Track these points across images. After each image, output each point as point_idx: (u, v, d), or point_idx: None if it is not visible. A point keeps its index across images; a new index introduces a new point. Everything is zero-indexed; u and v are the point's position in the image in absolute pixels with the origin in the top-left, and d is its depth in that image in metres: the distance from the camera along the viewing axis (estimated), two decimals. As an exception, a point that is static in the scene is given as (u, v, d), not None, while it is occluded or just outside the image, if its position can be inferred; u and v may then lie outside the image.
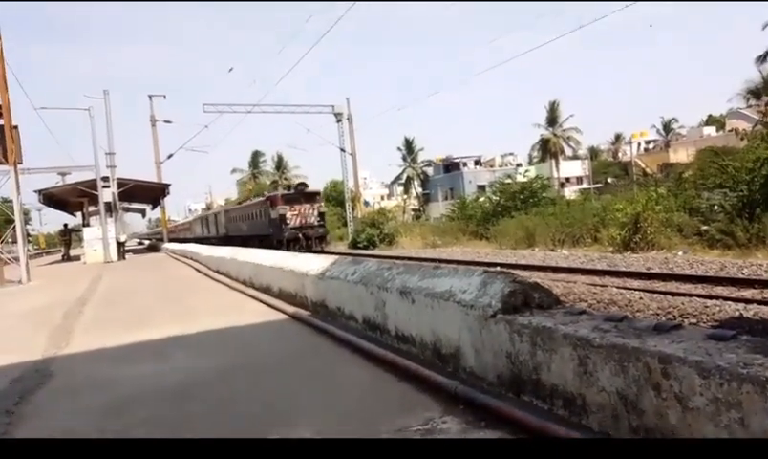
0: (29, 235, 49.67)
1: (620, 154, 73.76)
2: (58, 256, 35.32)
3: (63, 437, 3.08)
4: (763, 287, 9.26)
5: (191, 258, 18.94)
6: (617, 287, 10.22)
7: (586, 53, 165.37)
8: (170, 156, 36.97)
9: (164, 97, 39.64)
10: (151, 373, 4.42)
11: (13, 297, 12.10)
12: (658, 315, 8.02)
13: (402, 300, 4.15)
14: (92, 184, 25.04)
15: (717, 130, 54.51)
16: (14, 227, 16.16)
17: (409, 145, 63.31)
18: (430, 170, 64.33)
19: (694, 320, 7.59)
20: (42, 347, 5.75)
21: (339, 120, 34.28)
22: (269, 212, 28.15)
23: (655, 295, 9.16)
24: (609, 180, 53.45)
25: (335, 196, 48.16)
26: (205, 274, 13.04)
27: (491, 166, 58.99)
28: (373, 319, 4.73)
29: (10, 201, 17.18)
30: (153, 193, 35.72)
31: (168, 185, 34.43)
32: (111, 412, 3.54)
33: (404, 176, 64.39)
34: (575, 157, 64.15)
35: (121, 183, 26.69)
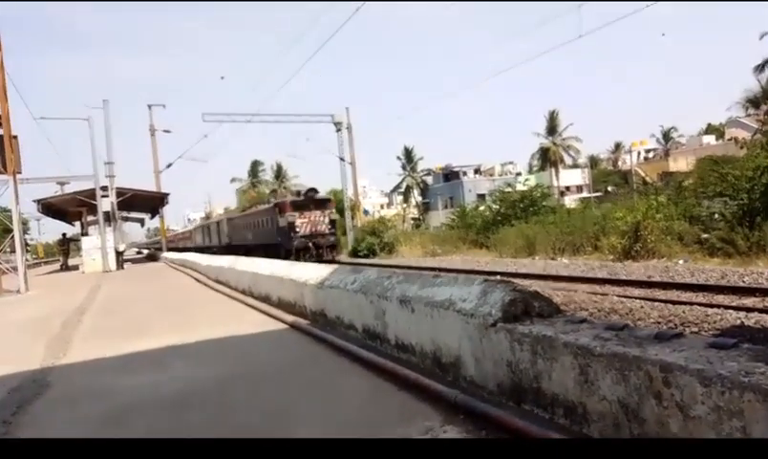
0: (27, 245, 49.57)
1: (620, 163, 74.02)
2: (57, 266, 35.32)
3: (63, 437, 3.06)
4: (764, 295, 9.24)
5: (190, 268, 18.90)
6: (618, 295, 10.21)
7: (585, 62, 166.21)
8: (169, 165, 37.15)
9: (164, 106, 39.72)
10: (149, 382, 4.40)
11: (12, 307, 12.07)
12: (659, 323, 8.01)
13: (402, 309, 4.14)
14: (91, 193, 25.02)
15: (717, 139, 54.61)
16: (13, 236, 16.15)
17: (408, 154, 63.42)
18: (429, 179, 64.39)
19: (696, 329, 7.57)
20: (40, 357, 5.73)
21: (339, 130, 34.39)
22: (277, 220, 26.43)
23: (656, 304, 9.14)
24: (609, 188, 53.47)
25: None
26: (204, 284, 13.01)
27: (491, 175, 58.89)
28: (373, 328, 4.71)
29: (9, 210, 17.24)
30: (152, 202, 35.72)
31: (167, 195, 34.39)
32: (109, 421, 3.52)
33: (404, 185, 64.43)
34: (575, 166, 64.29)
35: (120, 192, 26.69)
